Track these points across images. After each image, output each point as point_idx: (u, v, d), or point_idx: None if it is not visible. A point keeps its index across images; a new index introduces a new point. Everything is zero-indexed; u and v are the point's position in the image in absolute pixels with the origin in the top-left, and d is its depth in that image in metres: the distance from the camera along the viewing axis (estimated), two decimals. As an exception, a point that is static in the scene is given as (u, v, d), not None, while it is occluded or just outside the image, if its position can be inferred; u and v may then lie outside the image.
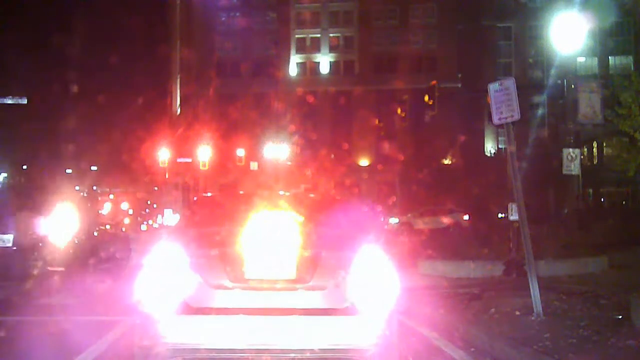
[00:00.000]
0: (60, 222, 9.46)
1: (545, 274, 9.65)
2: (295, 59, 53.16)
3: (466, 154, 41.33)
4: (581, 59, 43.16)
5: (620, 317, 6.51)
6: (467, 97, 43.35)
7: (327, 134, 48.48)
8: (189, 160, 36.20)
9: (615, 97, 19.32)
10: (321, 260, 4.02)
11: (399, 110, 27.95)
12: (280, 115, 47.47)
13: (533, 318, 6.59)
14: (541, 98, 34.49)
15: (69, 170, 60.04)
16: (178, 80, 52.56)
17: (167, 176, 38.59)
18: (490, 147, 47.46)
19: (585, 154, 41.30)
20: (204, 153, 34.18)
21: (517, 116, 6.95)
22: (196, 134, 39.58)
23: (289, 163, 40.68)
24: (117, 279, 9.65)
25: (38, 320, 6.93)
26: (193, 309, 3.94)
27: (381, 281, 4.03)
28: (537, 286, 6.69)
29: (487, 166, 35.37)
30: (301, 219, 4.47)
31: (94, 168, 60.05)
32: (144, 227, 43.31)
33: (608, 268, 11.89)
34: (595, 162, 45.10)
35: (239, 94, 48.52)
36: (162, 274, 3.97)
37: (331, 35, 53.15)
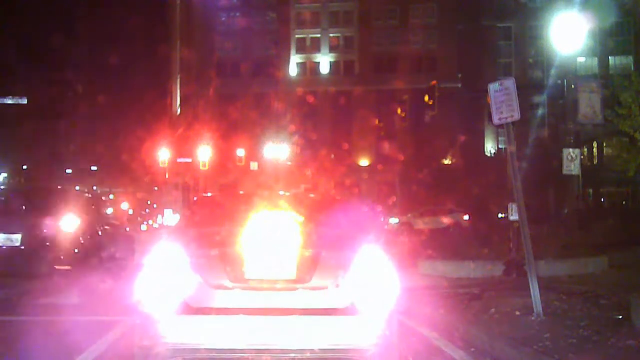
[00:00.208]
0: (66, 222, 9.58)
1: (545, 274, 9.65)
2: (295, 59, 53.18)
3: (466, 154, 41.35)
4: (581, 59, 43.18)
5: (620, 317, 6.51)
6: (467, 97, 43.37)
7: (327, 134, 48.49)
8: (189, 160, 36.22)
9: (615, 97, 19.34)
10: (321, 260, 4.02)
11: (399, 110, 27.95)
12: (280, 115, 47.49)
13: (533, 318, 6.59)
14: (541, 98, 34.49)
15: (69, 170, 60.11)
16: (178, 80, 52.58)
17: (167, 176, 38.61)
18: (490, 147, 47.48)
19: (585, 154, 41.32)
20: (204, 153, 34.20)
21: (517, 116, 6.95)
22: (196, 134, 39.61)
23: (289, 163, 40.71)
24: (120, 279, 9.67)
25: (38, 320, 6.92)
26: (193, 309, 3.94)
27: (381, 281, 4.03)
28: (537, 286, 6.69)
29: (487, 166, 35.41)
30: (301, 219, 4.47)
31: (94, 168, 60.12)
32: (144, 227, 43.26)
33: (608, 268, 11.88)
34: (595, 162, 45.12)
35: (239, 94, 48.54)
36: (162, 274, 3.97)
37: (331, 35, 53.16)
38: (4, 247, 9.06)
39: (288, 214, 4.47)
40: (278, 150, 38.93)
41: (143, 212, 56.20)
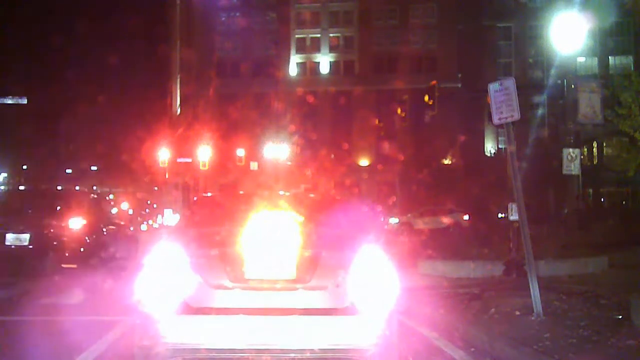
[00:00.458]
0: (73, 222, 9.79)
1: (545, 274, 9.65)
2: (295, 59, 53.17)
3: (466, 154, 41.37)
4: (581, 59, 43.20)
5: (620, 317, 6.51)
6: (467, 97, 43.36)
7: (327, 134, 48.49)
8: (189, 160, 36.20)
9: (615, 97, 19.34)
10: (321, 260, 4.02)
11: (399, 110, 27.96)
12: (280, 115, 47.49)
13: (533, 318, 6.59)
14: (541, 98, 34.48)
15: (69, 170, 60.10)
16: (178, 80, 52.55)
17: (167, 176, 38.58)
18: (490, 147, 47.47)
19: (585, 154, 41.30)
20: (204, 153, 34.19)
21: (517, 116, 6.95)
22: (196, 134, 39.58)
23: (289, 163, 40.69)
24: (120, 278, 9.70)
25: (38, 320, 6.92)
26: (193, 309, 3.94)
27: (381, 281, 4.03)
28: (537, 286, 6.68)
29: (487, 166, 35.44)
30: (301, 219, 4.47)
31: (94, 168, 60.08)
32: (144, 227, 43.25)
33: (608, 268, 11.88)
34: (595, 162, 45.10)
35: (239, 94, 48.54)
36: (162, 274, 3.97)
37: (331, 35, 53.15)
38: (13, 247, 9.28)
39: (288, 214, 4.46)
40: (278, 150, 38.92)
41: (143, 212, 56.17)
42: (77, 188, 29.93)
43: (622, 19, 40.32)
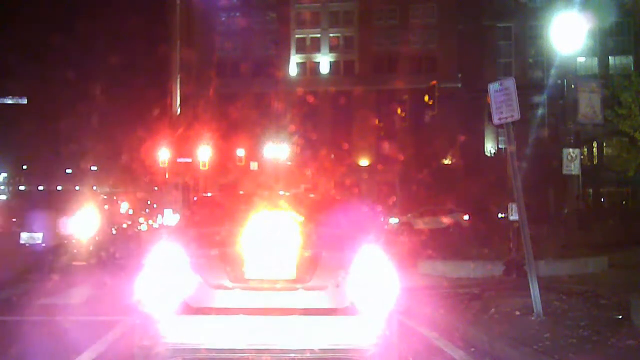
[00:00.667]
0: (83, 221, 10.19)
1: (545, 274, 9.65)
2: (295, 59, 53.16)
3: (466, 154, 41.35)
4: (581, 59, 43.13)
5: (620, 317, 6.51)
6: (467, 97, 43.35)
7: (327, 134, 48.48)
8: (189, 160, 36.21)
9: (615, 97, 19.34)
10: (321, 260, 4.02)
11: (399, 110, 27.97)
12: (280, 115, 47.46)
13: (533, 318, 6.59)
14: (541, 98, 34.41)
15: (69, 170, 60.08)
16: (178, 80, 52.53)
17: (167, 176, 38.59)
18: (490, 147, 47.45)
19: (585, 154, 41.28)
20: (204, 153, 34.19)
21: (517, 116, 6.95)
22: (196, 134, 39.57)
23: (289, 163, 40.68)
24: (120, 278, 9.74)
25: (38, 320, 6.93)
26: (193, 309, 3.94)
27: (381, 281, 4.03)
28: (537, 286, 6.69)
29: (487, 166, 35.45)
30: (301, 219, 4.47)
31: (94, 168, 60.05)
32: (144, 227, 43.23)
33: (608, 268, 11.88)
34: (595, 162, 45.08)
35: (239, 94, 48.53)
36: (162, 274, 3.97)
37: (331, 35, 53.14)
38: (27, 245, 9.71)
39: (288, 214, 4.46)
40: (278, 150, 38.91)
41: (143, 212, 56.12)
42: (77, 188, 30.05)
43: (622, 19, 40.28)
